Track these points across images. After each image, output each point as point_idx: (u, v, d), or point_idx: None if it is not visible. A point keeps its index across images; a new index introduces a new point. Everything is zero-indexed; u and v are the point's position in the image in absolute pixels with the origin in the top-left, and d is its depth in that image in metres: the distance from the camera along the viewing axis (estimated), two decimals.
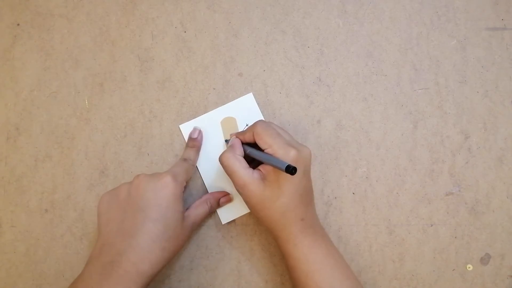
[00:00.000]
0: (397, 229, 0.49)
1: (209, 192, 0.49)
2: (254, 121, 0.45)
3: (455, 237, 0.49)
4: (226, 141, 0.49)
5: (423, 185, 0.50)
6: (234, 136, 0.47)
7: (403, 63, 0.51)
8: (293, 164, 0.39)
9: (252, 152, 0.44)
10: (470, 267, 0.49)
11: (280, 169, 0.39)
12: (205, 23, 0.52)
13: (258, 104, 0.50)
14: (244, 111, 0.50)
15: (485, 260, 0.49)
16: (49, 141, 0.50)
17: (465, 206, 0.49)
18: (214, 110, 0.50)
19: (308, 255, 0.42)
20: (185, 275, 0.48)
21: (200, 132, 0.49)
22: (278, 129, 0.44)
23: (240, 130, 0.50)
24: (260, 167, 0.43)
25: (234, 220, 0.49)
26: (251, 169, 0.43)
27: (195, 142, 0.48)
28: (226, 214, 0.49)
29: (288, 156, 0.41)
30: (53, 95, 0.51)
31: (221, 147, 0.49)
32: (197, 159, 0.49)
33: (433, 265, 0.49)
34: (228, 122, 0.50)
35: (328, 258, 0.42)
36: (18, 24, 0.52)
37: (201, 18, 0.52)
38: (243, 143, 0.46)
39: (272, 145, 0.42)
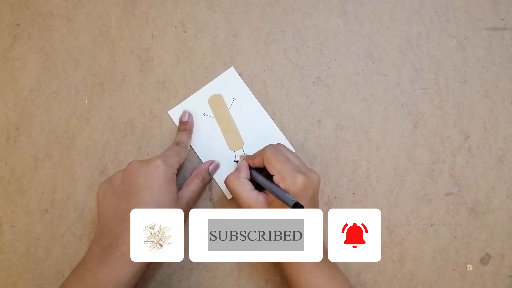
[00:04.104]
0: (397, 229, 0.49)
1: None
2: (242, 95, 0.45)
3: (455, 237, 0.49)
4: (237, 161, 0.50)
5: (423, 185, 0.50)
6: (242, 158, 0.47)
7: (403, 63, 0.51)
8: (301, 191, 0.40)
9: (262, 182, 0.44)
10: (470, 267, 0.49)
11: (287, 204, 0.39)
12: (205, 23, 0.52)
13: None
14: (229, 86, 0.50)
15: (485, 260, 0.49)
16: (49, 141, 0.50)
17: (465, 206, 0.49)
18: (199, 90, 0.50)
19: (310, 279, 0.41)
20: (185, 275, 0.48)
21: (190, 115, 0.49)
22: (287, 153, 0.44)
23: (228, 106, 0.50)
24: (267, 191, 0.43)
25: None
26: (256, 192, 0.43)
27: (186, 125, 0.49)
28: None
29: (295, 182, 0.41)
30: (53, 95, 0.51)
31: (213, 124, 0.50)
32: (190, 141, 0.49)
33: (433, 265, 0.49)
34: (215, 99, 0.50)
35: (331, 281, 0.42)
36: (18, 24, 0.52)
37: (201, 18, 0.52)
38: (254, 168, 0.46)
39: (280, 171, 0.42)
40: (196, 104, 0.50)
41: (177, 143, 0.47)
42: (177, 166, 0.45)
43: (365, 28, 0.52)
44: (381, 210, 0.49)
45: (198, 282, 0.48)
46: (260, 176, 0.44)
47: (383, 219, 0.49)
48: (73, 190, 0.49)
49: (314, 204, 0.43)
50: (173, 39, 0.51)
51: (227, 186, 0.44)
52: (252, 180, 0.45)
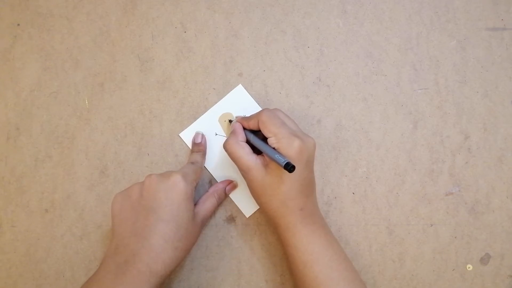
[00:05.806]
0: (397, 229, 0.49)
1: None
2: (252, 111, 0.46)
3: (455, 237, 0.49)
4: (230, 121, 0.50)
5: (423, 185, 0.50)
6: (236, 120, 0.47)
7: (403, 63, 0.51)
8: (297, 155, 0.41)
9: (255, 142, 0.44)
10: (470, 267, 0.49)
11: (279, 164, 0.39)
12: (205, 23, 0.52)
13: (251, 95, 0.50)
14: (239, 104, 0.50)
15: (485, 260, 0.49)
16: (49, 141, 0.50)
17: (465, 206, 0.49)
18: (209, 111, 0.50)
19: (306, 245, 0.42)
20: (185, 275, 0.48)
21: (203, 136, 0.49)
22: (284, 118, 0.44)
23: None
24: (264, 154, 0.44)
25: (234, 220, 0.49)
26: (254, 155, 0.44)
27: (200, 147, 0.49)
28: (248, 207, 0.49)
29: (291, 146, 0.41)
30: (53, 95, 0.51)
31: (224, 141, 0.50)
32: (204, 162, 0.49)
33: (433, 265, 0.49)
34: (225, 117, 0.50)
35: (327, 248, 0.42)
36: (18, 24, 0.52)
37: (201, 18, 0.52)
38: (248, 129, 0.46)
39: (276, 134, 0.42)
40: (207, 124, 0.50)
41: (192, 163, 0.47)
42: (195, 184, 0.45)
43: (365, 28, 0.52)
44: (381, 210, 0.49)
45: (198, 282, 0.48)
46: (252, 135, 0.45)
47: (383, 219, 0.49)
48: (73, 190, 0.49)
49: (309, 169, 0.43)
50: (173, 39, 0.51)
51: (226, 150, 0.44)
52: (250, 144, 0.45)
